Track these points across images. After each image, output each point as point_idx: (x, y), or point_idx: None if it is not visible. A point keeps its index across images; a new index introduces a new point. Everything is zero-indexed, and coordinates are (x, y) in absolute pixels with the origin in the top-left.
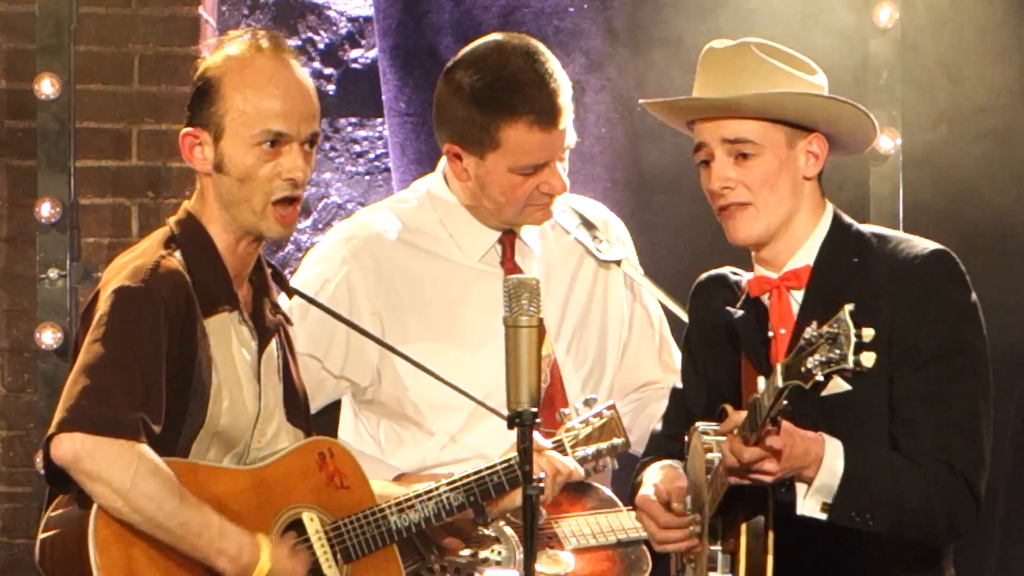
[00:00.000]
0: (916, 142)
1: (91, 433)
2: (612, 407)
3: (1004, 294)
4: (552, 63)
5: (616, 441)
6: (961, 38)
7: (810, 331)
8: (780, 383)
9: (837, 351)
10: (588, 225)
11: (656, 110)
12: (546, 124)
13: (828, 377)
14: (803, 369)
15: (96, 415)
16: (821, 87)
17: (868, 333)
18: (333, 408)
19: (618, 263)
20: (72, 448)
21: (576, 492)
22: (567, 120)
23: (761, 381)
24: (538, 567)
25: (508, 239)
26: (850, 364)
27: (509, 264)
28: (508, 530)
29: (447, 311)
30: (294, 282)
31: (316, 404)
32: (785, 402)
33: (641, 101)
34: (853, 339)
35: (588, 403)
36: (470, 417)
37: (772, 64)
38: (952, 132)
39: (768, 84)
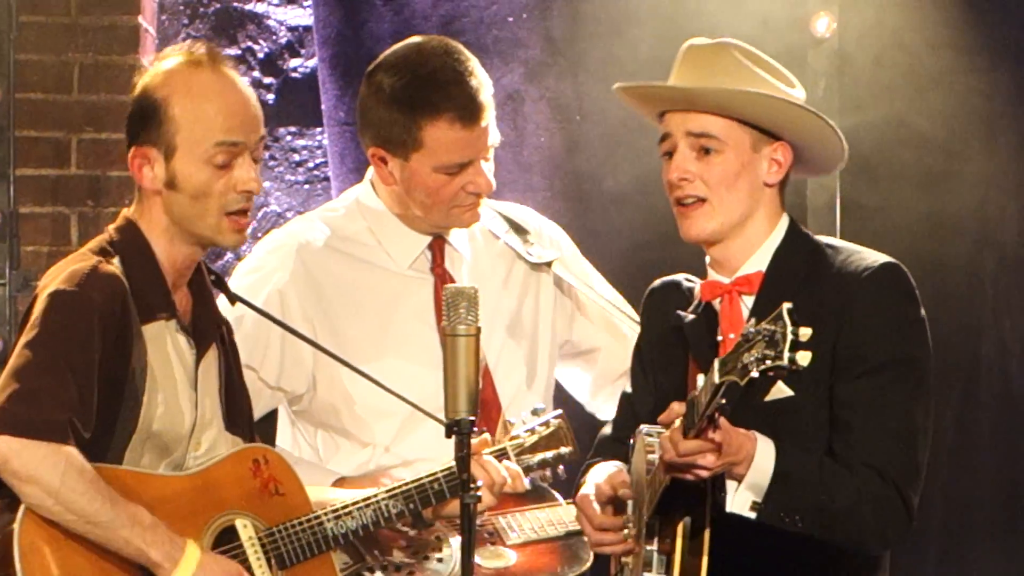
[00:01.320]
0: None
1: (19, 435)
2: (560, 416)
3: (939, 301)
4: (472, 62)
5: (563, 450)
6: (898, 47)
7: (748, 328)
8: (717, 379)
9: (773, 348)
10: (518, 229)
11: (627, 96)
12: (468, 121)
13: (764, 374)
14: (739, 365)
15: (23, 417)
16: (798, 99)
17: (805, 332)
18: (271, 417)
19: (549, 264)
20: (0, 451)
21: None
22: (489, 117)
23: (700, 378)
24: (480, 561)
25: (438, 244)
26: (785, 361)
27: (439, 270)
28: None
29: (379, 318)
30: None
31: (256, 413)
32: (723, 400)
33: (616, 86)
34: (790, 337)
35: (536, 412)
36: (404, 423)
37: (749, 67)
38: (890, 141)
39: (739, 84)
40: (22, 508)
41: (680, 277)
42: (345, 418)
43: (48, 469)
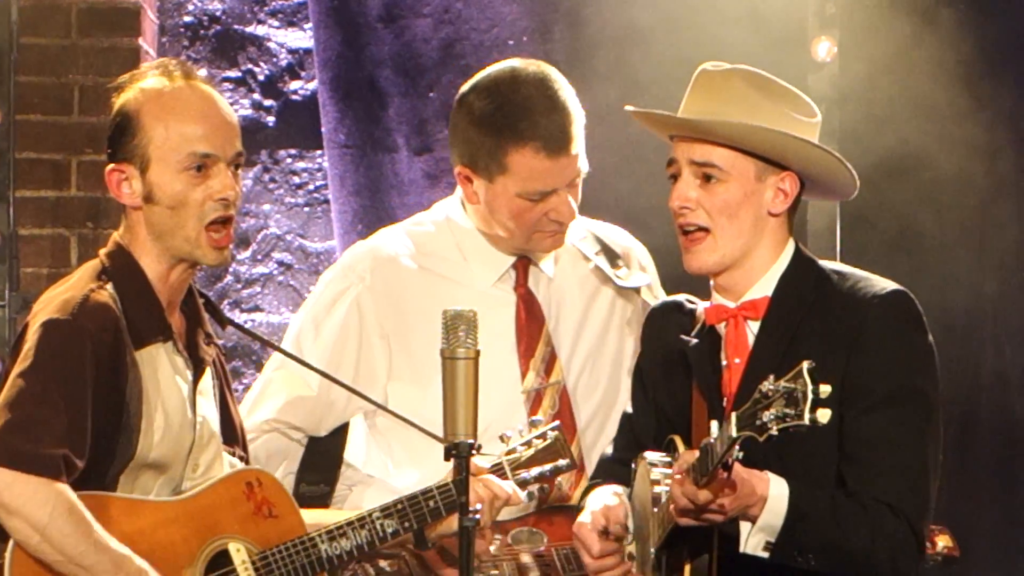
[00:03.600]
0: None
1: (11, 468)
2: (557, 428)
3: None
4: (565, 91)
5: (561, 463)
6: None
7: (767, 384)
8: (734, 433)
9: (793, 408)
10: (608, 252)
11: (641, 119)
12: (553, 151)
13: (783, 432)
14: (758, 422)
15: (16, 449)
16: (813, 126)
17: (825, 390)
18: (341, 431)
19: (638, 290)
20: None
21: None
22: (577, 148)
23: (714, 425)
24: None
25: (522, 264)
26: (806, 421)
27: (522, 289)
28: (525, 557)
29: None
30: (308, 298)
31: (325, 426)
32: (738, 451)
33: (627, 108)
34: (811, 396)
35: (533, 424)
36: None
37: (757, 96)
38: (889, 165)
39: (748, 114)
40: (12, 541)
41: (681, 298)
42: (415, 434)
43: (37, 505)
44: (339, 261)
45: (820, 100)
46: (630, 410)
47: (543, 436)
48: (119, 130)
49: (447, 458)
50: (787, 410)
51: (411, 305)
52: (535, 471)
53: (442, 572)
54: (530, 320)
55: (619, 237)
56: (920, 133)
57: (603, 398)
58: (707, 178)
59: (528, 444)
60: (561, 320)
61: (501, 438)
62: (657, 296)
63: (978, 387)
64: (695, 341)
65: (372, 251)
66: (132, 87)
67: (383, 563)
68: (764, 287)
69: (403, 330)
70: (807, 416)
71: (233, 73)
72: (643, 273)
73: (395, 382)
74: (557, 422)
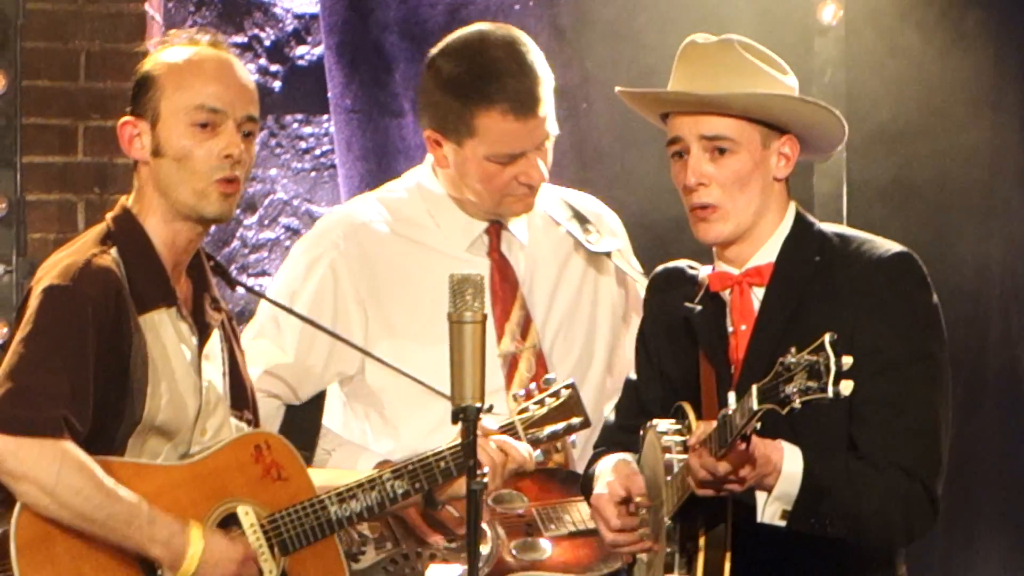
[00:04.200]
0: (861, 138)
1: (12, 434)
2: (571, 386)
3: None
4: (533, 54)
5: (574, 421)
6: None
7: (789, 358)
8: (755, 406)
9: (816, 381)
10: (580, 217)
11: (633, 100)
12: (522, 113)
13: (806, 404)
14: (781, 395)
15: (17, 416)
16: (792, 88)
17: (847, 362)
18: (318, 397)
19: (609, 255)
20: None
21: (561, 479)
22: (545, 110)
23: (731, 397)
24: (516, 553)
25: (495, 229)
26: (830, 394)
27: (495, 254)
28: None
29: (431, 300)
30: (281, 267)
31: (303, 393)
32: (759, 424)
33: (617, 89)
34: (833, 369)
35: (546, 383)
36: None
37: (754, 63)
38: (895, 129)
39: (749, 83)
40: (18, 506)
41: (683, 264)
42: (392, 401)
43: (44, 467)
44: (311, 230)
45: (826, 64)
46: (633, 377)
47: (556, 394)
48: (137, 88)
49: (455, 422)
50: (810, 383)
51: (386, 271)
52: (548, 430)
53: (426, 534)
54: (504, 284)
55: (589, 203)
56: (926, 97)
57: (578, 360)
58: (718, 151)
59: (541, 403)
60: (535, 284)
61: (514, 397)
62: (628, 260)
63: (985, 350)
64: (699, 308)
65: (345, 218)
66: (157, 51)
67: (365, 529)
68: (768, 253)
69: (379, 295)
70: (831, 389)
71: (239, 38)
72: (613, 238)
73: (372, 347)
74: (571, 379)
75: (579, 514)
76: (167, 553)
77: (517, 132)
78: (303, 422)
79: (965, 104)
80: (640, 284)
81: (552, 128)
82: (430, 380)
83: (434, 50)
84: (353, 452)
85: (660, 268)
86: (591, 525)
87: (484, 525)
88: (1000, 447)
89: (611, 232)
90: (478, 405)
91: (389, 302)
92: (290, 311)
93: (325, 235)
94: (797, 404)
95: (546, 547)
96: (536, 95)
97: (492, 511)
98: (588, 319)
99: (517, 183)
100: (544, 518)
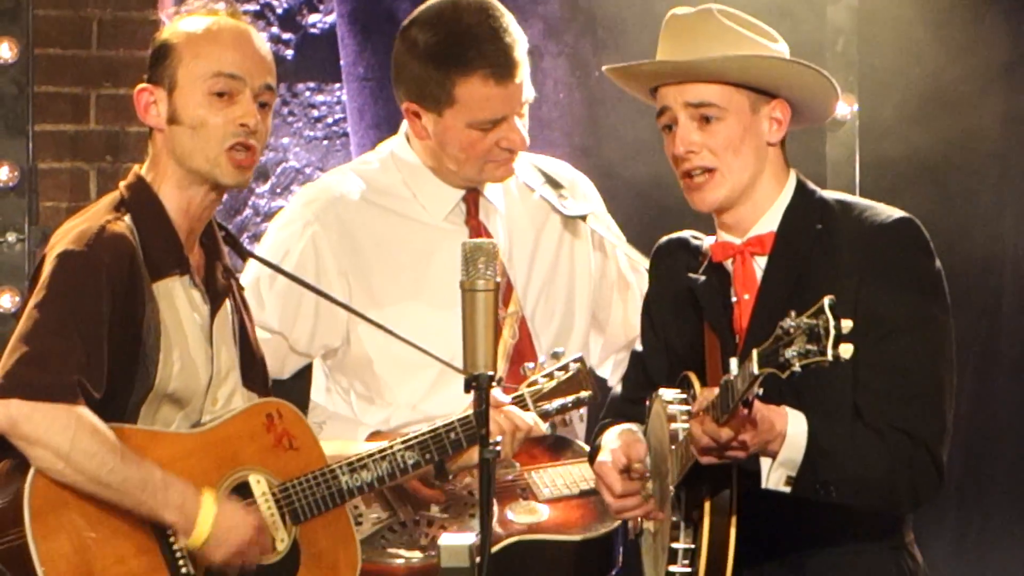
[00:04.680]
0: (873, 108)
1: (27, 399)
2: (579, 360)
3: (959, 255)
4: (507, 18)
5: (583, 394)
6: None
7: (788, 321)
8: (756, 370)
9: (816, 344)
10: (553, 183)
11: (617, 76)
12: (501, 78)
13: (805, 368)
14: (781, 359)
15: (32, 381)
16: (783, 54)
17: (847, 325)
18: (305, 371)
19: (583, 218)
20: (8, 415)
21: (549, 444)
22: (523, 74)
23: (733, 363)
24: (512, 517)
25: (472, 197)
26: (829, 357)
27: (473, 222)
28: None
29: (413, 270)
30: (260, 246)
31: (289, 368)
32: (760, 389)
33: (604, 68)
34: (833, 332)
35: (555, 356)
36: (439, 377)
37: (735, 30)
38: (909, 98)
39: (730, 49)
40: (32, 470)
41: (687, 234)
42: (377, 373)
43: (58, 431)
44: (288, 205)
45: (838, 32)
46: (639, 349)
47: (565, 368)
48: (154, 56)
49: (467, 390)
50: (809, 346)
51: (366, 242)
52: (557, 403)
53: (422, 493)
54: None
55: (562, 169)
56: (939, 68)
57: (561, 325)
58: (705, 119)
59: (550, 376)
60: (514, 251)
61: (523, 370)
62: (604, 223)
63: (998, 322)
64: (703, 278)
65: (322, 191)
66: (176, 20)
67: (359, 498)
68: (769, 222)
69: (361, 267)
70: (830, 352)
71: (251, 6)
72: (587, 202)
73: (356, 320)
74: (580, 354)
75: (571, 476)
76: (180, 518)
77: (498, 97)
78: (291, 396)
79: (979, 78)
80: (617, 247)
81: (529, 92)
82: (413, 350)
83: (406, 21)
84: (343, 424)
85: (664, 239)
86: (584, 487)
87: (475, 492)
88: (1013, 422)
89: (584, 196)
90: (490, 373)
91: (370, 273)
92: (302, 282)
93: (303, 209)
94: (797, 368)
95: (542, 510)
96: (514, 59)
97: (473, 474)
98: (567, 283)
99: (499, 148)
100: (537, 481)
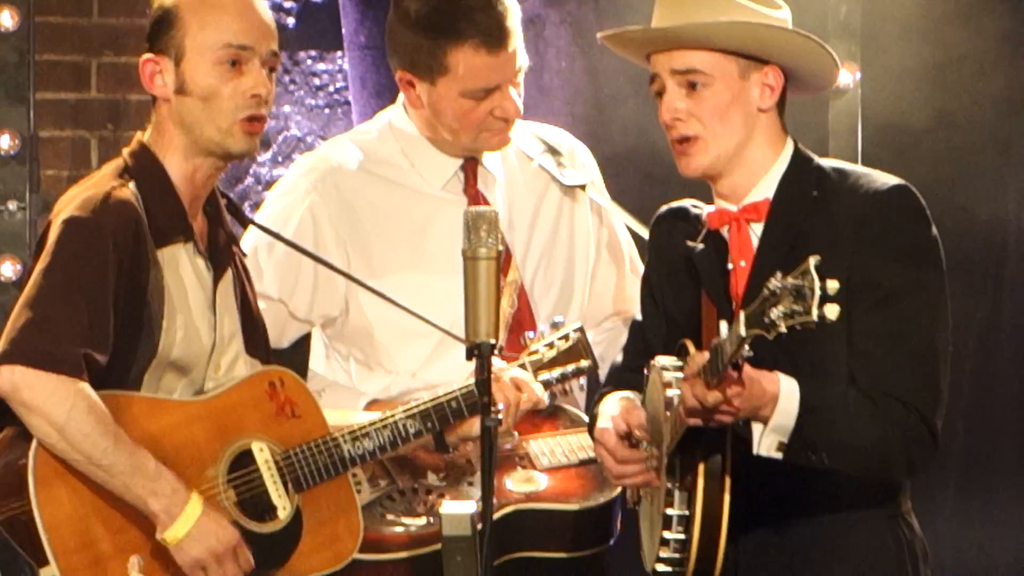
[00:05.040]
0: (876, 76)
1: (31, 366)
2: (579, 329)
3: (962, 222)
4: None
5: (583, 364)
6: None
7: (774, 282)
8: (743, 332)
9: (802, 304)
10: (552, 151)
11: (612, 43)
12: (493, 46)
13: (792, 329)
14: (767, 320)
15: (37, 348)
16: (783, 21)
17: (833, 286)
18: (304, 340)
19: (583, 187)
20: (11, 380)
21: (547, 413)
22: (516, 43)
23: (723, 326)
24: (510, 486)
25: (470, 166)
26: (814, 317)
27: (472, 191)
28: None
29: (411, 240)
30: (258, 217)
31: (288, 337)
32: (748, 350)
33: (599, 35)
34: (818, 292)
35: (555, 326)
36: (438, 345)
37: None
38: (911, 67)
39: (721, 15)
40: (36, 440)
41: (687, 203)
42: (377, 341)
43: (56, 403)
44: (287, 175)
45: (840, 2)
46: (639, 319)
47: (565, 337)
48: (157, 24)
49: (469, 358)
50: (795, 307)
51: (365, 212)
52: (557, 372)
53: (421, 461)
54: None
55: (561, 137)
56: (943, 34)
57: (560, 294)
58: (692, 86)
59: (551, 345)
60: (513, 219)
61: (524, 340)
62: (601, 192)
63: (999, 294)
64: (701, 246)
65: (320, 161)
66: None
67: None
68: (765, 189)
69: (359, 237)
70: (815, 312)
71: None
72: (585, 171)
73: (356, 289)
74: (578, 323)
75: (570, 445)
76: (164, 510)
77: (490, 66)
78: (290, 365)
79: (983, 46)
80: (614, 216)
81: (523, 60)
82: (412, 319)
83: None
84: (342, 393)
85: (664, 208)
86: (582, 456)
87: (474, 461)
88: (1015, 393)
89: (583, 165)
90: (492, 342)
91: (369, 243)
92: (302, 249)
93: (302, 179)
94: (783, 328)
95: (541, 479)
96: (506, 27)
97: (475, 443)
98: (567, 252)
99: (493, 117)
100: (536, 451)
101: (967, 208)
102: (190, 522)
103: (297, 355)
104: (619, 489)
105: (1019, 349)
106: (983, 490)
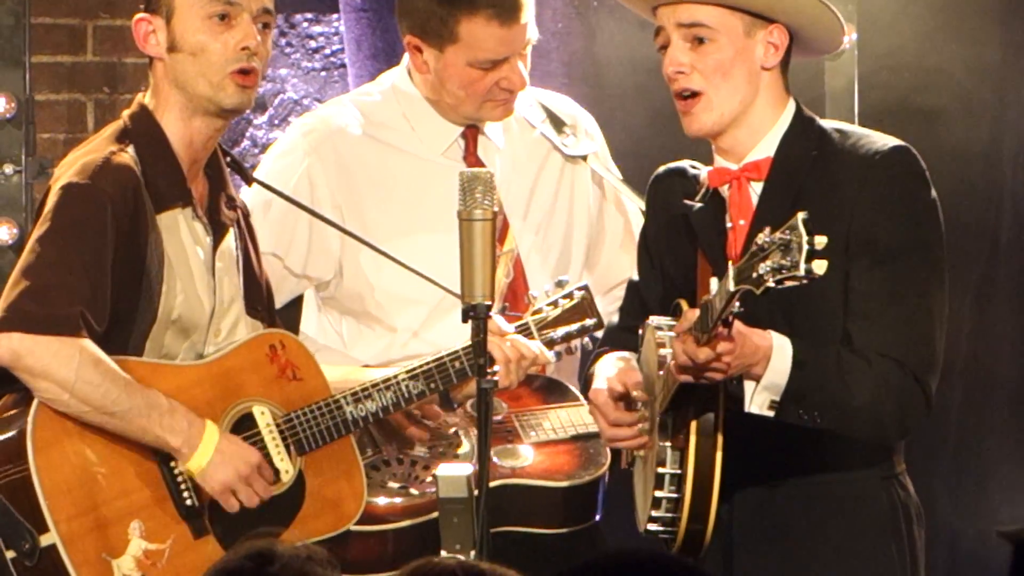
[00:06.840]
0: (873, 37)
1: (30, 332)
2: (584, 288)
3: (958, 184)
4: None
5: (588, 322)
6: None
7: (763, 237)
8: (732, 287)
9: (789, 258)
10: (555, 120)
11: None
12: (505, 19)
13: (779, 283)
14: (755, 275)
15: (34, 314)
16: None
17: (820, 241)
18: (295, 303)
19: (584, 158)
20: (11, 348)
21: (537, 387)
22: (527, 16)
23: (714, 282)
24: (496, 460)
25: (471, 133)
26: (801, 272)
27: (472, 159)
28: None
29: (408, 204)
30: (256, 175)
31: (279, 300)
32: (738, 305)
33: None
34: (805, 247)
35: (560, 284)
36: (432, 311)
37: None
38: (909, 26)
39: None
40: (35, 403)
41: (685, 163)
42: (371, 305)
43: (62, 364)
44: (286, 135)
45: None
46: (636, 278)
47: (570, 296)
48: None
49: (465, 320)
50: (783, 261)
51: (362, 175)
52: (562, 331)
53: (407, 431)
54: None
55: (566, 106)
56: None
57: (557, 264)
58: (697, 40)
59: (554, 304)
60: (512, 188)
61: (528, 299)
62: (605, 163)
63: (996, 251)
64: (699, 205)
65: (321, 123)
66: None
67: None
68: (766, 147)
69: (355, 200)
70: (803, 267)
71: None
72: (590, 141)
73: (350, 251)
74: (584, 282)
75: (559, 421)
76: (184, 442)
77: (501, 38)
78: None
79: (980, 7)
80: (618, 187)
81: (533, 33)
82: (408, 283)
83: None
84: (333, 356)
85: (662, 168)
86: (571, 432)
87: (459, 431)
88: (1012, 355)
89: (587, 134)
90: (488, 303)
91: (365, 206)
92: (301, 206)
93: (301, 140)
94: (771, 283)
95: (527, 454)
96: (518, 1)
97: (471, 418)
98: (565, 223)
99: (498, 88)
100: (524, 425)
101: (963, 166)
102: (211, 448)
103: (289, 317)
104: (605, 467)
105: (1015, 308)
106: (979, 451)
